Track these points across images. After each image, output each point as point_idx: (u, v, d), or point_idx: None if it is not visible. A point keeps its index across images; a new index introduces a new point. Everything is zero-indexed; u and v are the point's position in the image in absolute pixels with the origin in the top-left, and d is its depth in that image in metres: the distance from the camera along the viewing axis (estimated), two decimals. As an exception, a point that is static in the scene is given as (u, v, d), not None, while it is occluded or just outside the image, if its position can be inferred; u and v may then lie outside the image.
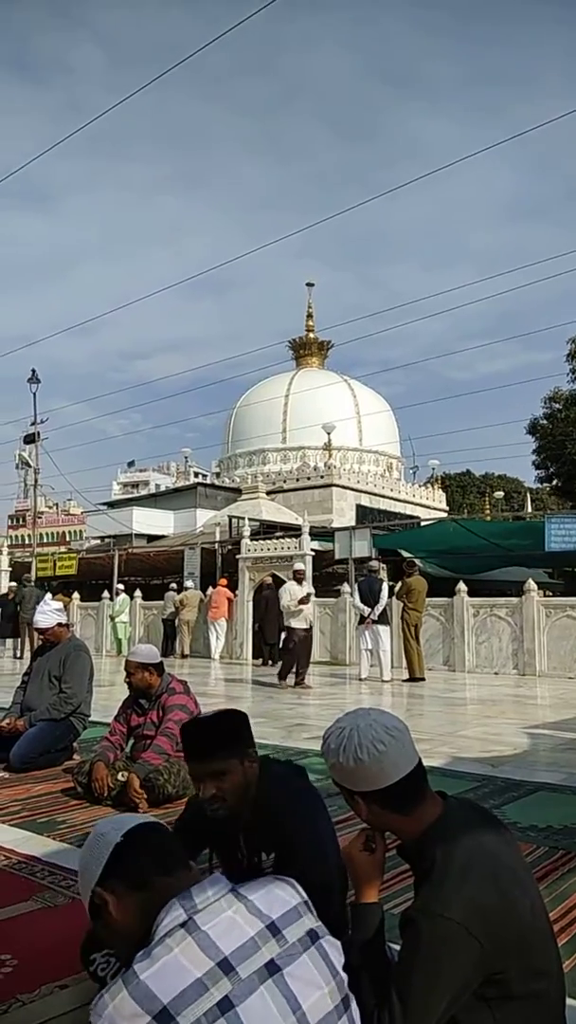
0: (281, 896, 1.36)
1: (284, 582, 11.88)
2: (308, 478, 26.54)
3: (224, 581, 16.52)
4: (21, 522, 60.07)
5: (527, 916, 1.43)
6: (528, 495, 38.52)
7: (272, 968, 1.26)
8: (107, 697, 7.75)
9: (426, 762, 5.08)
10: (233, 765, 2.01)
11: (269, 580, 15.33)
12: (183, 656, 16.12)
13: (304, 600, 10.21)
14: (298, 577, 10.77)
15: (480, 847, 1.47)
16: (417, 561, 12.71)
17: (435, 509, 29.69)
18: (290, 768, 2.25)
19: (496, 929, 1.39)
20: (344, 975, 1.35)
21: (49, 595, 5.28)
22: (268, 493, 25.71)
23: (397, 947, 1.46)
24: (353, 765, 1.57)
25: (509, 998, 1.40)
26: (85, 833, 3.59)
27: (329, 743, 1.62)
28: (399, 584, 11.91)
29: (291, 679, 10.01)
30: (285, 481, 27.13)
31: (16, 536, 57.78)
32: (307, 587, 12.13)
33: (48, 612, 5.39)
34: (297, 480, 26.80)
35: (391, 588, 12.90)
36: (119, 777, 4.16)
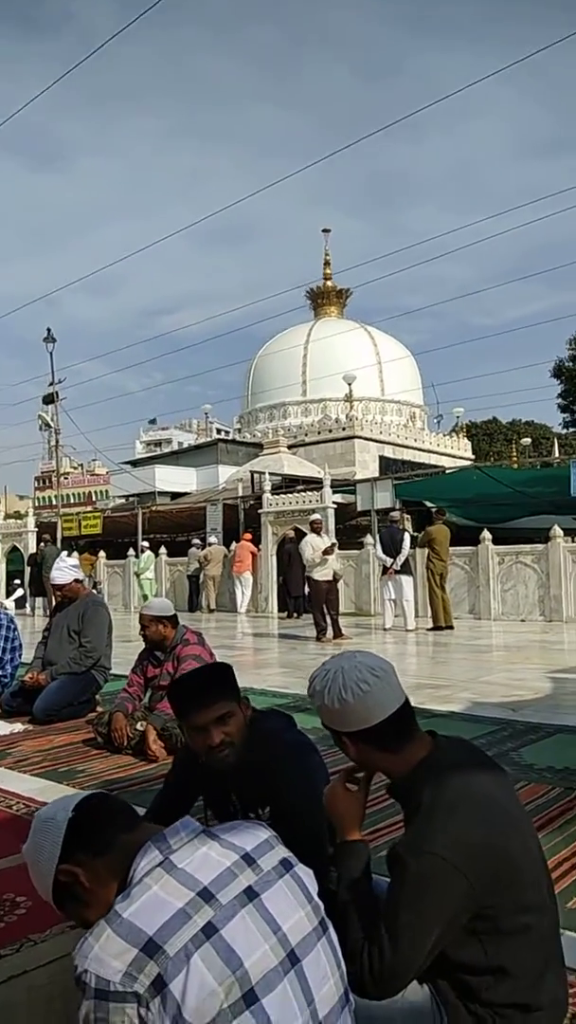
0: (252, 831, 1.38)
1: (305, 535, 11.87)
2: (330, 431, 26.33)
3: (248, 536, 16.60)
4: (47, 483, 60.72)
5: (517, 853, 1.42)
6: (556, 441, 37.88)
7: (250, 894, 1.28)
8: (131, 651, 7.91)
9: (446, 708, 5.18)
10: (234, 708, 2.05)
11: (292, 534, 15.38)
12: (209, 611, 16.33)
13: (328, 551, 10.19)
14: (316, 528, 10.75)
15: (469, 785, 1.45)
16: (444, 510, 12.58)
17: (460, 458, 29.34)
18: (280, 720, 2.24)
19: (483, 865, 1.38)
20: (319, 901, 1.36)
21: (65, 552, 5.33)
22: (290, 447, 25.58)
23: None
24: (338, 706, 1.55)
25: (499, 932, 1.40)
26: (104, 781, 3.68)
27: (315, 685, 1.61)
28: (422, 533, 11.85)
29: (330, 632, 10.05)
30: (307, 434, 26.95)
31: (43, 498, 58.51)
32: (329, 538, 12.16)
33: (64, 568, 5.45)
34: (319, 433, 26.61)
35: (413, 538, 12.86)
36: (138, 727, 4.24)
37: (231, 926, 1.22)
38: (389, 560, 11.09)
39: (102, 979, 1.17)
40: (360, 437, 25.58)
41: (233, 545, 16.67)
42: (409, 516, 19.36)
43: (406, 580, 11.20)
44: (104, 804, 1.41)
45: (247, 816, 2.05)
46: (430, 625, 11.26)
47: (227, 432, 40.62)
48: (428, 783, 1.47)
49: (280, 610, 15.61)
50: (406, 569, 11.29)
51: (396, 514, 12.46)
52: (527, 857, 1.44)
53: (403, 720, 1.56)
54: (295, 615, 14.54)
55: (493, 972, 1.40)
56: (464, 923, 1.39)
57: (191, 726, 2.02)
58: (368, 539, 14.43)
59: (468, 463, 27.10)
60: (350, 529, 18.13)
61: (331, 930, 1.35)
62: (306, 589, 11.36)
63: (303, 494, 16.15)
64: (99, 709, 5.21)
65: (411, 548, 12.40)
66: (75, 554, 19.45)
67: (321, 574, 10.20)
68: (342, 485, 17.81)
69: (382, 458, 24.81)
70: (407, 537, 11.47)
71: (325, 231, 36.55)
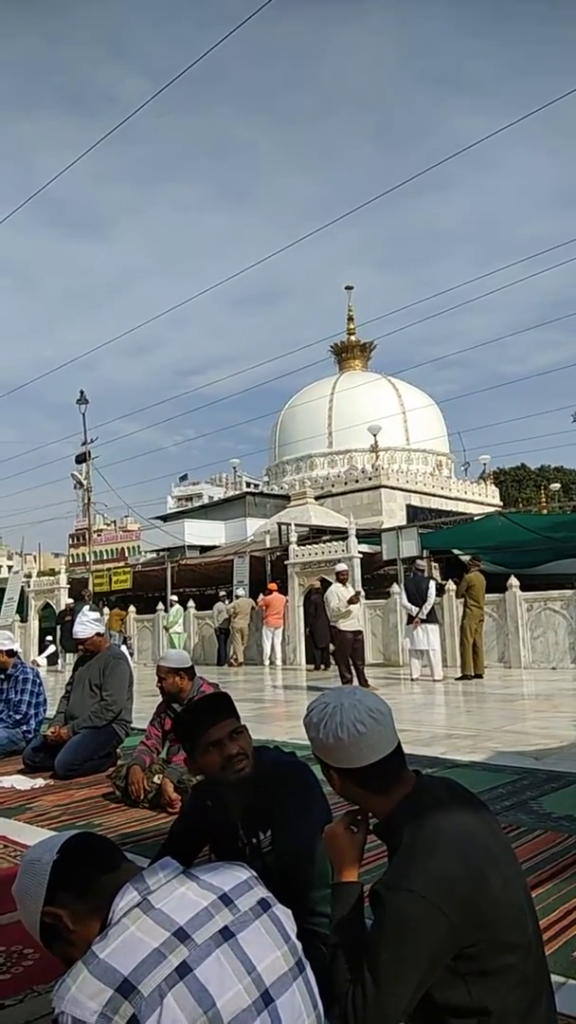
0: (231, 872, 1.39)
1: (330, 585, 11.86)
2: (356, 481, 26.46)
3: (274, 586, 16.60)
4: (81, 540, 61.56)
5: (497, 891, 1.42)
6: (585, 485, 37.54)
7: (226, 934, 1.29)
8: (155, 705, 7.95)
9: (468, 757, 5.11)
10: (242, 727, 2.16)
11: (318, 584, 15.35)
12: (238, 664, 16.26)
13: (353, 600, 10.16)
14: (341, 578, 10.73)
15: (449, 823, 1.46)
16: (480, 558, 12.52)
17: (488, 505, 29.16)
18: (283, 752, 2.28)
19: (463, 902, 1.38)
20: (297, 942, 1.37)
21: (87, 607, 5.40)
22: (316, 498, 25.74)
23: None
24: (331, 742, 1.58)
25: (483, 973, 1.39)
26: (121, 835, 3.67)
27: (311, 716, 1.64)
28: (460, 581, 11.80)
29: (355, 683, 9.96)
30: (333, 485, 27.11)
31: (76, 555, 59.24)
32: (355, 587, 12.12)
33: (86, 623, 5.54)
34: (345, 483, 26.75)
35: (439, 586, 12.73)
36: (155, 780, 4.24)
37: (205, 966, 1.23)
38: (415, 609, 11.01)
39: (78, 1020, 1.18)
40: (386, 487, 25.65)
41: (260, 597, 16.67)
42: (436, 564, 19.30)
43: (433, 629, 11.10)
44: (87, 845, 1.43)
45: (251, 843, 2.07)
46: (459, 674, 11.09)
47: (255, 485, 40.99)
48: (408, 821, 1.48)
49: (308, 661, 15.49)
50: (432, 618, 11.19)
51: (422, 562, 12.39)
52: (509, 896, 1.44)
53: (392, 764, 1.58)
54: (322, 666, 14.41)
55: (478, 1014, 1.38)
56: (448, 963, 1.38)
57: (206, 743, 2.06)
58: (394, 588, 14.35)
59: (495, 510, 26.95)
60: (377, 579, 18.04)
61: (308, 970, 1.35)
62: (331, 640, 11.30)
63: (329, 544, 16.18)
64: (120, 763, 5.22)
65: (437, 596, 12.32)
66: (106, 609, 19.64)
67: (346, 624, 10.14)
68: (368, 535, 17.80)
69: (409, 507, 24.76)
70: (433, 585, 11.41)
71: (348, 288, 37.47)
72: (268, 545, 19.53)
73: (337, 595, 10.25)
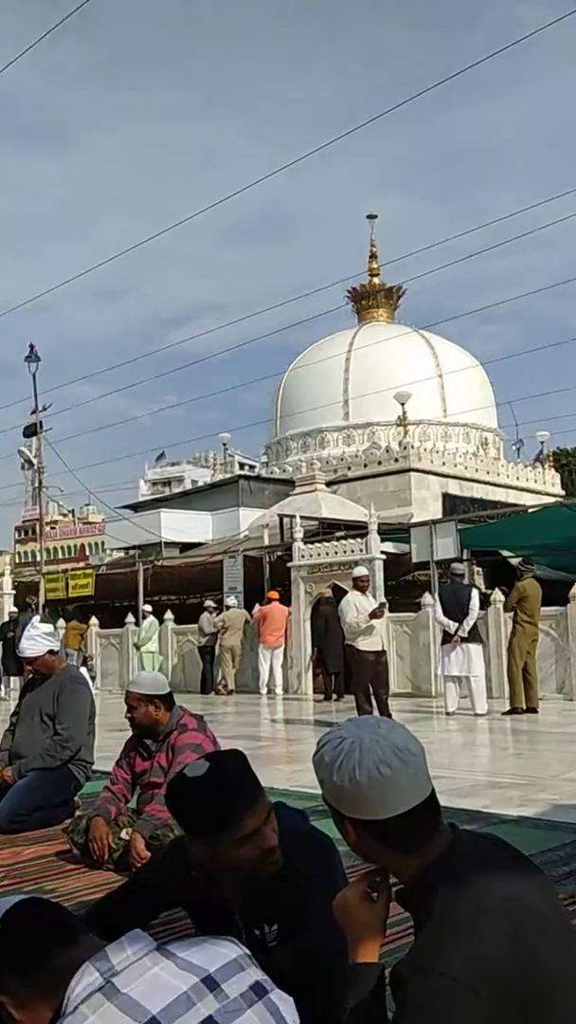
0: (217, 948, 1.39)
1: (345, 593, 11.91)
2: (379, 462, 26.48)
3: (274, 594, 16.66)
4: (29, 535, 61.67)
5: (551, 968, 1.43)
6: None
7: None
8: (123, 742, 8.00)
9: (517, 811, 5.15)
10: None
11: (329, 593, 15.38)
12: (227, 692, 16.34)
13: (376, 613, 10.18)
14: (361, 585, 10.74)
15: (490, 887, 1.48)
16: (533, 561, 12.54)
17: (546, 494, 29.16)
18: (294, 814, 2.29)
19: (506, 984, 1.39)
20: None
21: (37, 617, 5.39)
22: (328, 484, 25.76)
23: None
24: (348, 786, 1.59)
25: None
26: (79, 903, 3.69)
27: (323, 753, 1.65)
28: (510, 591, 11.81)
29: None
30: (349, 468, 27.12)
31: (23, 553, 59.44)
32: (377, 597, 12.13)
33: (36, 637, 5.55)
34: (365, 466, 26.77)
35: (484, 597, 12.73)
36: (122, 835, 4.26)
37: None
38: (453, 625, 11.04)
39: None
40: (417, 470, 25.65)
41: (257, 608, 16.71)
42: (480, 569, 19.29)
43: (475, 650, 11.13)
44: (36, 914, 1.43)
45: (251, 934, 2.07)
46: (506, 708, 11.14)
47: (251, 467, 40.97)
48: (442, 887, 1.49)
49: (316, 690, 15.56)
50: (475, 636, 11.23)
51: (461, 566, 12.43)
52: (565, 973, 1.45)
53: (423, 817, 1.59)
54: (333, 696, 14.49)
55: None
56: None
57: (240, 835, 1.98)
58: (427, 598, 14.39)
59: (555, 500, 26.94)
60: (404, 586, 18.06)
61: None
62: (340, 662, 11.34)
63: (344, 542, 16.22)
64: (78, 814, 5.25)
65: (481, 609, 12.32)
66: (61, 621, 19.71)
67: (366, 643, 10.17)
68: (394, 530, 17.80)
69: (446, 496, 24.75)
70: (476, 595, 11.42)
71: (371, 218, 37.23)
72: (267, 543, 19.57)
73: (355, 606, 10.27)
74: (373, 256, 36.11)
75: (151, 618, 17.97)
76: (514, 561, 18.80)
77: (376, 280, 35.76)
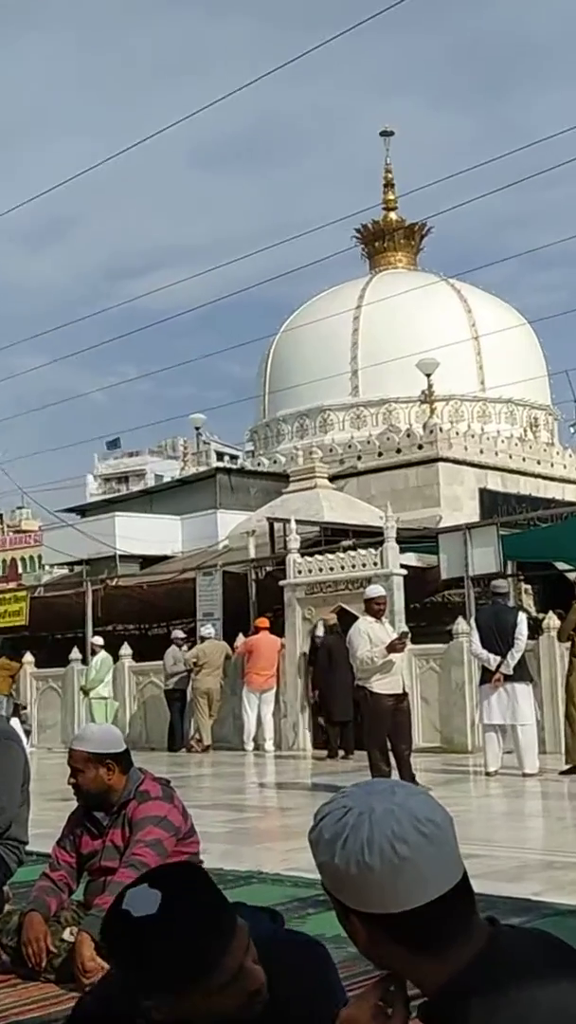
0: None
1: (355, 619, 11.93)
2: (398, 450, 26.50)
3: (263, 621, 16.67)
4: (-55, 547, 61.68)
5: None
6: None
7: None
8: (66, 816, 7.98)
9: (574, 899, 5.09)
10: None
11: (334, 619, 15.39)
12: (203, 748, 16.36)
13: (395, 645, 10.21)
14: (376, 609, 10.75)
15: (541, 999, 1.47)
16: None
17: (614, 490, 29.30)
18: (260, 917, 2.26)
19: None
20: None
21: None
22: (332, 479, 25.77)
23: None
24: (355, 872, 1.58)
25: None
26: (9, 1024, 3.70)
27: (322, 829, 1.64)
28: (567, 614, 11.83)
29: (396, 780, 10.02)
30: (359, 457, 27.14)
31: None
32: (397, 625, 12.14)
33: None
34: (380, 455, 26.78)
35: (535, 621, 12.73)
36: (64, 936, 4.26)
37: None
38: (495, 660, 11.09)
39: None
40: (447, 460, 25.70)
41: (240, 639, 16.74)
42: (528, 587, 19.30)
43: (523, 692, 11.18)
44: None
45: None
46: (564, 766, 11.16)
47: (232, 458, 40.97)
48: (475, 998, 1.48)
49: (317, 744, 15.56)
50: (522, 674, 11.27)
51: (504, 583, 12.42)
52: None
53: (451, 909, 1.58)
54: (340, 753, 14.49)
55: None
56: None
57: (221, 981, 1.91)
58: (460, 625, 14.41)
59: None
60: (431, 609, 18.08)
61: None
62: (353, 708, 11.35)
63: (354, 554, 16.21)
64: (8, 908, 5.24)
65: (531, 639, 12.32)
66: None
67: (382, 684, 10.19)
68: (418, 538, 17.77)
69: (484, 492, 24.78)
70: (523, 621, 11.48)
71: (385, 135, 37.38)
72: (253, 555, 19.55)
73: (368, 637, 10.28)
74: (389, 185, 36.24)
75: (103, 654, 17.92)
76: (572, 576, 18.90)
77: (393, 216, 35.90)
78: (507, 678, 11.05)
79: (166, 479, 40.72)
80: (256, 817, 9.38)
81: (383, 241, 35.81)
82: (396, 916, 1.57)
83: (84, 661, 18.58)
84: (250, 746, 15.95)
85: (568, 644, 11.69)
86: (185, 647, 17.35)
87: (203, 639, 17.13)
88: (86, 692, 17.72)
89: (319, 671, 15.42)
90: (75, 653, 19.28)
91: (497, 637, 11.14)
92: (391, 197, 35.89)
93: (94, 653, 18.02)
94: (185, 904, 1.91)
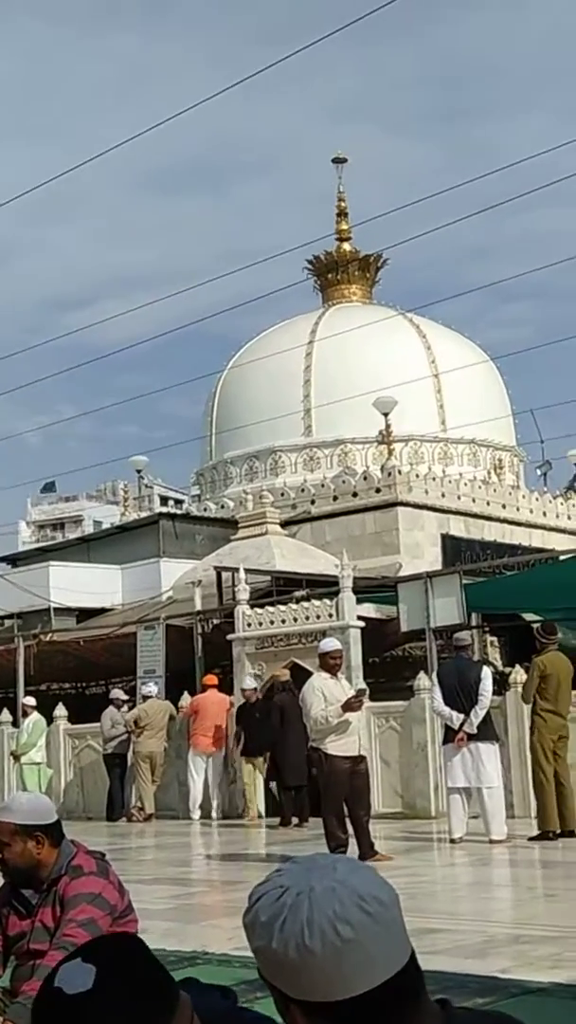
0: None
1: (309, 675, 11.92)
2: (354, 494, 26.60)
3: (212, 679, 16.61)
4: None
5: None
6: None
7: None
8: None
9: (548, 977, 5.15)
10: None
11: (286, 676, 15.35)
12: (144, 818, 16.23)
13: (352, 703, 10.21)
14: (331, 664, 10.75)
15: None
16: (557, 627, 12.67)
17: (583, 535, 29.58)
18: (212, 994, 2.22)
19: None
20: None
21: None
22: (284, 524, 25.82)
23: None
24: (294, 957, 1.54)
25: None
26: None
27: (258, 911, 1.60)
28: (529, 668, 11.89)
29: (353, 849, 9.94)
30: (313, 502, 27.21)
31: None
32: (351, 682, 12.11)
33: None
34: (335, 499, 26.88)
35: (500, 676, 12.78)
36: (-10, 1028, 4.16)
37: None
38: (458, 718, 11.12)
39: None
40: (407, 504, 25.85)
41: (185, 698, 16.65)
42: (494, 639, 19.37)
43: (488, 752, 11.20)
44: None
45: None
46: (534, 832, 11.17)
47: (176, 502, 40.95)
48: None
49: (270, 811, 15.48)
50: (488, 733, 11.30)
51: (468, 635, 12.51)
52: None
53: (398, 994, 1.56)
54: (293, 821, 14.43)
55: None
56: None
57: None
58: (422, 681, 14.43)
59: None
60: (391, 664, 18.08)
61: None
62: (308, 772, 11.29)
63: (307, 605, 16.24)
64: None
65: (497, 695, 12.36)
66: None
67: (338, 746, 10.20)
68: (377, 587, 17.80)
69: (446, 538, 24.95)
70: (488, 675, 11.54)
71: (338, 162, 37.75)
72: (199, 607, 19.47)
73: (322, 694, 10.28)
74: (342, 214, 36.65)
75: (35, 716, 17.72)
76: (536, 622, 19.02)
77: (346, 246, 36.29)
78: (471, 737, 11.08)
79: (105, 525, 40.59)
80: (202, 892, 9.29)
81: (336, 273, 36.14)
82: (339, 1004, 1.54)
83: (15, 724, 18.37)
84: (196, 814, 15.79)
85: (532, 702, 11.74)
86: (125, 707, 17.21)
87: (145, 698, 16.99)
88: (17, 757, 17.49)
89: (271, 732, 15.31)
90: (5, 715, 19.07)
91: (460, 694, 11.17)
92: (344, 227, 36.34)
93: (26, 715, 17.82)
94: (122, 978, 1.83)
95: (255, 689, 15.65)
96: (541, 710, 11.48)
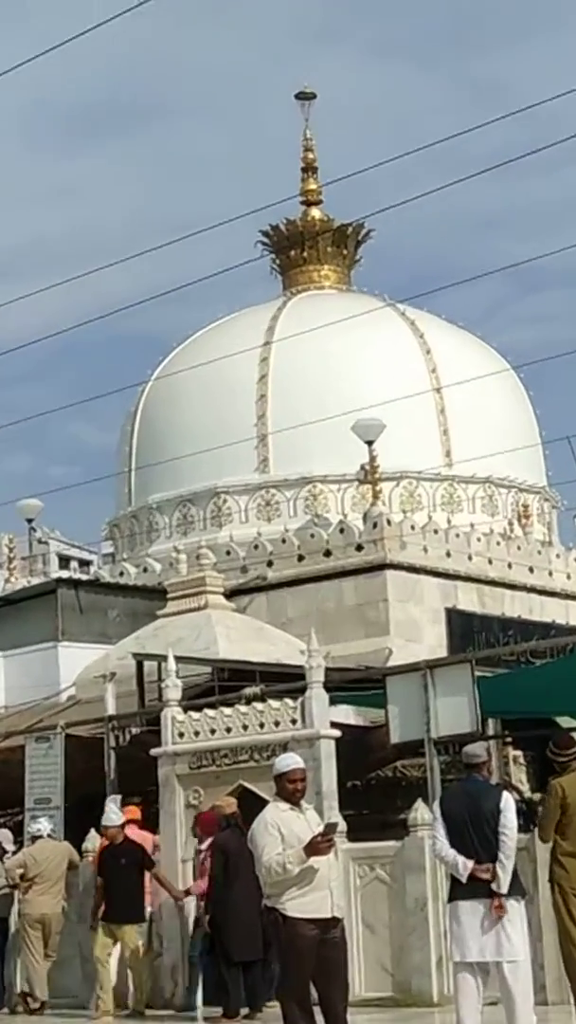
0: None
1: (264, 805, 11.85)
2: (326, 552, 26.63)
3: (133, 811, 16.51)
4: None
5: None
6: None
7: None
8: None
9: None
10: None
11: (233, 807, 15.23)
12: (37, 1007, 16.13)
13: (320, 844, 10.09)
14: (292, 789, 10.63)
15: None
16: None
17: None
18: None
19: None
20: None
21: None
22: (231, 595, 25.81)
23: None
24: None
25: None
26: None
27: None
28: (545, 796, 11.87)
29: None
30: (270, 563, 27.22)
31: None
32: (322, 815, 12.01)
33: None
34: (300, 559, 26.92)
35: (526, 805, 12.75)
36: None
37: None
38: (466, 865, 10.95)
39: None
40: (398, 566, 25.94)
41: (93, 838, 16.60)
42: (519, 754, 19.26)
43: (513, 912, 11.05)
44: None
45: None
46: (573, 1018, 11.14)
47: (82, 564, 40.56)
48: None
49: (211, 998, 15.31)
50: (512, 885, 11.17)
51: (481, 748, 12.39)
52: None
53: None
54: (242, 1012, 14.36)
55: None
56: None
57: None
58: (419, 812, 14.38)
59: None
60: (377, 788, 18.02)
61: None
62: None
63: (261, 707, 16.16)
64: None
65: (525, 831, 12.29)
66: None
67: (303, 905, 10.06)
68: (358, 683, 17.77)
69: (453, 614, 25.02)
70: (511, 806, 11.34)
71: (303, 98, 37.95)
72: (112, 710, 19.37)
73: (279, 832, 10.18)
74: (309, 169, 36.94)
75: None
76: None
77: (316, 212, 36.59)
78: (494, 893, 10.90)
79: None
80: None
81: (302, 249, 36.25)
82: None
83: None
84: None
85: (551, 844, 11.71)
86: (11, 852, 17.02)
87: (34, 839, 16.83)
88: None
89: (213, 887, 15.21)
90: None
91: (472, 831, 10.96)
92: (312, 186, 36.53)
93: None
94: None
95: (121, 827, 15.56)
96: (562, 854, 11.46)
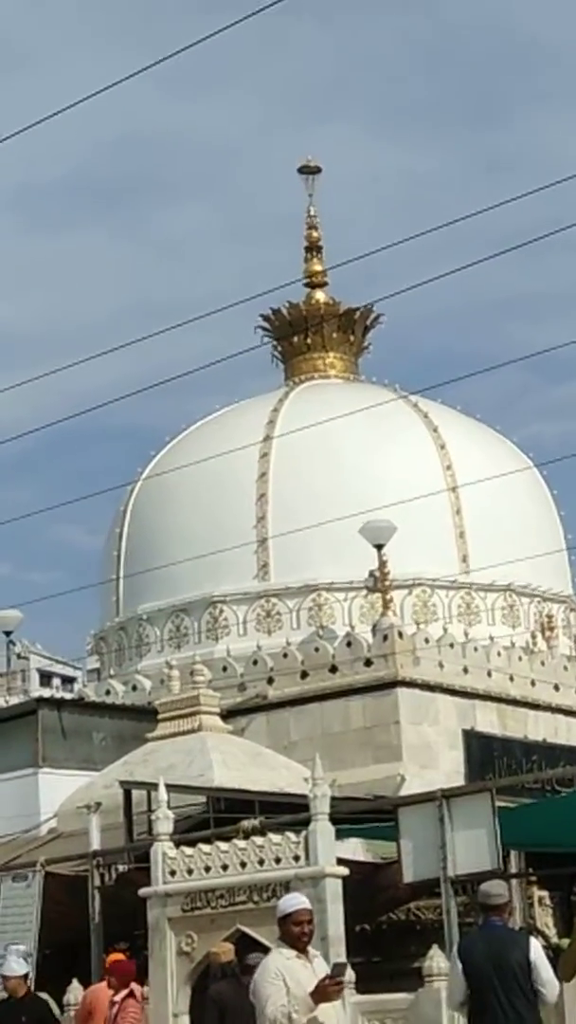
0: None
1: (266, 952, 11.83)
2: (332, 669, 26.64)
3: (119, 956, 16.35)
4: None
5: None
6: None
7: None
8: None
9: None
10: None
11: (230, 955, 15.18)
12: None
13: (328, 989, 10.04)
14: (297, 933, 10.60)
15: None
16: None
17: None
18: None
19: None
20: None
21: None
22: (228, 715, 25.79)
23: None
24: None
25: None
26: None
27: None
28: (572, 940, 11.84)
29: None
30: (271, 680, 27.20)
31: None
32: (328, 961, 12.01)
33: None
34: (303, 676, 26.90)
35: (552, 952, 12.73)
36: None
37: None
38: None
39: None
40: (411, 684, 25.91)
41: (76, 989, 16.50)
42: (545, 894, 19.15)
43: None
44: None
45: None
46: None
47: (64, 681, 40.47)
48: None
49: None
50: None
51: (502, 887, 12.37)
52: None
53: None
54: None
55: None
56: None
57: None
58: (436, 960, 14.31)
59: None
60: (389, 933, 17.93)
61: None
62: None
63: (260, 842, 16.12)
64: None
65: (560, 983, 12.28)
66: None
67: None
68: (367, 815, 17.72)
69: (471, 737, 24.95)
70: (541, 955, 11.26)
71: (306, 171, 38.20)
72: (96, 845, 19.33)
73: (284, 981, 10.14)
74: (313, 249, 37.12)
75: None
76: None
77: (320, 295, 36.77)
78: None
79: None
80: None
81: (305, 335, 36.43)
82: None
83: None
84: None
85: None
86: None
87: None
88: None
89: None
90: None
91: (496, 981, 10.90)
92: (317, 267, 36.64)
93: None
94: None
95: (24, 977, 15.03)
96: None
